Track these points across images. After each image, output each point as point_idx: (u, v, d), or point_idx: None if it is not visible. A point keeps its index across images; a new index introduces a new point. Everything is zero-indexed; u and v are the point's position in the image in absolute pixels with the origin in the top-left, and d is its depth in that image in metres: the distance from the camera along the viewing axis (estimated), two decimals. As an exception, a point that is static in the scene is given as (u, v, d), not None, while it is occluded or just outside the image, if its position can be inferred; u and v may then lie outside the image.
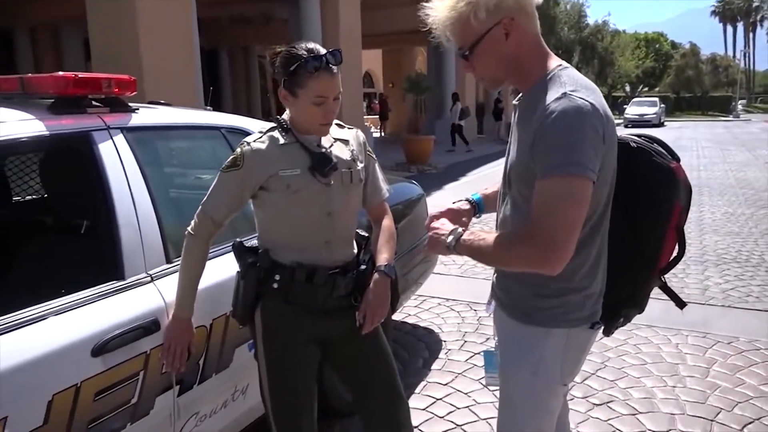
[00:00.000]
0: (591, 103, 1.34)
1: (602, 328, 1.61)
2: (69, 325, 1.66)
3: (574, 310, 1.51)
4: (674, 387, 3.21)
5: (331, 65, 1.72)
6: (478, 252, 1.46)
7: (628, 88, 51.78)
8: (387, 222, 2.02)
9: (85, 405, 1.62)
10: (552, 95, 1.37)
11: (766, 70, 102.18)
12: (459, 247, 1.48)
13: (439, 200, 9.38)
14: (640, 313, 1.68)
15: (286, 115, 1.86)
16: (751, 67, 79.21)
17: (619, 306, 1.62)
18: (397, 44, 22.91)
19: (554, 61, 1.47)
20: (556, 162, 1.32)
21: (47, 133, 1.81)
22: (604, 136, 1.35)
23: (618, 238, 1.55)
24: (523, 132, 1.44)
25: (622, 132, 1.53)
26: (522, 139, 1.44)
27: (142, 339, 1.79)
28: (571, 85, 1.38)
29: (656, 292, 1.72)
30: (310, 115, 1.77)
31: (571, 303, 1.50)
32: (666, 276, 1.68)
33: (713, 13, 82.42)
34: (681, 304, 1.71)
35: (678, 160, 1.57)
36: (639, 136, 1.60)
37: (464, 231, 1.51)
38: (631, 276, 1.60)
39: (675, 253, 1.63)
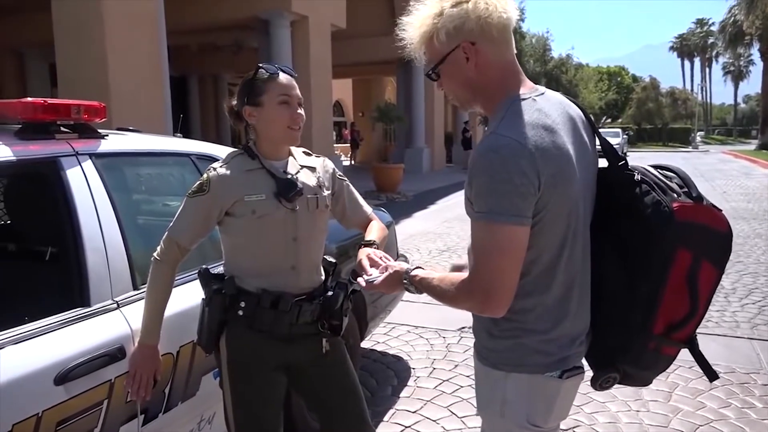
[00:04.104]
0: (520, 143, 1.26)
1: (579, 374, 1.45)
2: (31, 352, 1.63)
3: (532, 354, 1.39)
4: (638, 411, 3.26)
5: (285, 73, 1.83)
6: (432, 289, 1.43)
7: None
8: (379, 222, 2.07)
9: (47, 435, 1.59)
10: (487, 131, 1.34)
11: (722, 104, 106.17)
12: (414, 282, 1.46)
13: (408, 228, 9.46)
14: (643, 373, 1.50)
15: (252, 142, 1.89)
16: (708, 100, 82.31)
17: (613, 357, 1.44)
18: (367, 74, 23.20)
19: (521, 90, 1.39)
20: (481, 208, 1.29)
21: (14, 158, 1.80)
22: (539, 176, 1.26)
23: (611, 281, 1.43)
24: None
25: (646, 163, 1.42)
26: None
27: (107, 367, 1.76)
28: (509, 121, 1.31)
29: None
30: (278, 119, 1.80)
31: (526, 346, 1.39)
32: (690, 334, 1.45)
33: (671, 48, 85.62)
34: (713, 376, 1.49)
35: (697, 199, 1.34)
36: (657, 167, 1.44)
37: (418, 268, 1.49)
38: (622, 326, 1.41)
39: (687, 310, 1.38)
